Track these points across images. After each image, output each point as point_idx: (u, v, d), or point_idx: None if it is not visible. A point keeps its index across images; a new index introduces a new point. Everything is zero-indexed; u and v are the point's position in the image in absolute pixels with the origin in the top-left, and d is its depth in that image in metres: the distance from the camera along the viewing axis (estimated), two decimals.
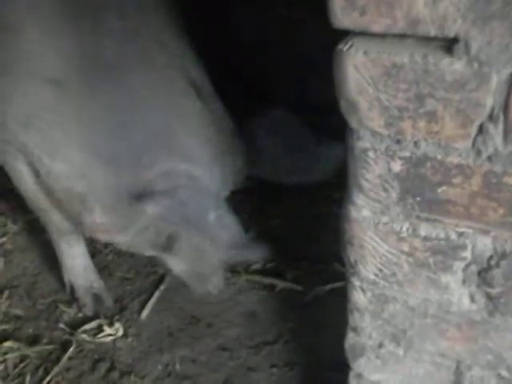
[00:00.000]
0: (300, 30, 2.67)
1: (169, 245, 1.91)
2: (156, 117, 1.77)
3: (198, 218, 1.76)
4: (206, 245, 1.91)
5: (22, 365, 2.09)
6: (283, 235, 2.39)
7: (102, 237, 1.97)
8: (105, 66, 1.74)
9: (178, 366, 2.05)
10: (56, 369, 2.06)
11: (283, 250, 2.25)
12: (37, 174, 1.90)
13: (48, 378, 2.03)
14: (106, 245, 2.47)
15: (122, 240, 1.94)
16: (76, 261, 2.26)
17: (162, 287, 2.32)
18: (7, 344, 2.14)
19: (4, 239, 2.56)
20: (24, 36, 1.74)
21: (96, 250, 2.43)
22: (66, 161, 1.79)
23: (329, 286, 2.22)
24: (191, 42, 1.93)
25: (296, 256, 2.36)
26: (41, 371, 2.07)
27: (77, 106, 1.75)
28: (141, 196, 1.75)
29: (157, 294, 2.30)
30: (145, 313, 2.24)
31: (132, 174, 1.77)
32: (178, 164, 1.77)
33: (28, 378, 2.04)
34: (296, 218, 2.48)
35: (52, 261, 2.40)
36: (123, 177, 1.77)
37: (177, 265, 2.02)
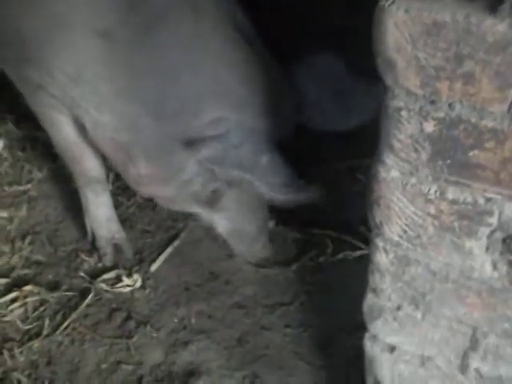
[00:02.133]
0: None
1: (214, 199, 1.93)
2: (205, 64, 1.77)
3: (250, 161, 1.76)
4: (253, 202, 1.92)
5: (41, 309, 2.13)
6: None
7: (147, 190, 2.00)
8: (153, 15, 1.74)
9: (193, 320, 2.07)
10: (74, 315, 2.09)
11: (307, 212, 2.24)
12: (80, 125, 1.93)
13: (66, 324, 2.06)
14: (129, 197, 2.48)
15: (166, 194, 1.97)
16: (100, 210, 2.28)
17: (176, 242, 2.34)
18: (28, 288, 2.17)
19: (29, 186, 2.58)
20: None
21: (118, 202, 2.44)
22: (113, 112, 1.81)
23: (349, 253, 2.22)
24: None
25: (320, 220, 2.35)
26: (59, 316, 2.10)
27: (126, 57, 1.75)
28: (191, 142, 1.77)
29: (170, 248, 2.32)
30: (155, 266, 2.26)
31: (181, 122, 1.78)
32: (227, 111, 1.77)
33: (47, 322, 2.07)
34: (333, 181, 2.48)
35: (75, 210, 2.42)
36: (171, 126, 1.79)
37: (222, 223, 2.06)
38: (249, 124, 1.79)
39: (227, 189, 1.92)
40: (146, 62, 1.75)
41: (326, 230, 2.31)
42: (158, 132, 1.80)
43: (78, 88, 1.82)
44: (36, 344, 2.01)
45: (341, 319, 1.99)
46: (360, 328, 1.42)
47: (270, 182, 1.78)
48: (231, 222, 2.04)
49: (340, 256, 2.23)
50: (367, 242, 1.30)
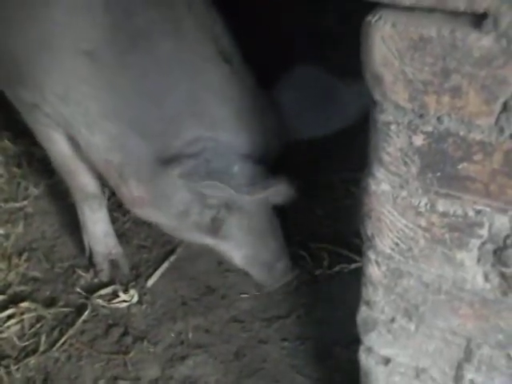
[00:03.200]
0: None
1: (215, 227, 1.91)
2: (184, 85, 1.77)
3: (221, 171, 1.73)
4: (259, 225, 1.91)
5: (37, 325, 2.13)
6: (304, 211, 2.40)
7: (142, 212, 1.99)
8: (134, 35, 1.75)
9: (190, 335, 2.07)
10: (71, 331, 2.10)
11: (303, 225, 2.25)
12: (76, 142, 1.94)
13: (62, 340, 2.07)
14: (125, 212, 2.49)
15: (165, 221, 1.97)
16: (97, 226, 2.29)
17: (172, 258, 2.35)
18: (24, 304, 2.17)
19: (25, 202, 2.59)
20: (58, 8, 1.75)
21: (114, 217, 2.45)
22: (103, 132, 1.82)
23: (345, 265, 2.22)
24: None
25: (316, 233, 2.36)
26: (56, 332, 2.11)
27: (110, 76, 1.76)
28: (168, 161, 1.77)
29: (166, 263, 2.33)
30: (152, 281, 2.27)
31: (162, 143, 1.78)
32: (205, 131, 1.77)
33: (43, 339, 2.07)
34: (319, 193, 2.49)
35: (71, 226, 2.44)
36: (155, 147, 1.79)
37: (234, 252, 2.01)
38: (226, 143, 1.78)
39: (227, 215, 1.90)
40: (129, 81, 1.76)
41: (321, 243, 2.31)
42: (146, 153, 1.81)
43: (68, 108, 1.84)
44: (33, 361, 2.01)
45: (338, 332, 2.00)
46: (357, 341, 1.42)
47: (238, 186, 1.73)
48: (241, 249, 1.99)
49: (336, 269, 2.24)
50: (361, 254, 1.31)
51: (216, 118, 1.79)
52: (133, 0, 1.76)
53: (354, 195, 2.40)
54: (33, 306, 2.18)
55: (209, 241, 1.99)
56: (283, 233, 2.14)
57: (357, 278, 1.34)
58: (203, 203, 1.87)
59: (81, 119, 1.83)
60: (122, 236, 2.41)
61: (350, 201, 2.41)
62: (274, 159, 1.91)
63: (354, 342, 1.45)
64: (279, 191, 1.76)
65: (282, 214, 2.06)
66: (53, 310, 2.17)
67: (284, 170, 1.99)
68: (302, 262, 2.28)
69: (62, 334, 2.09)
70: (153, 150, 1.80)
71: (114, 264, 2.30)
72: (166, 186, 1.84)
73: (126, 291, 2.22)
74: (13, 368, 1.98)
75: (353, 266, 2.21)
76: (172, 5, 1.81)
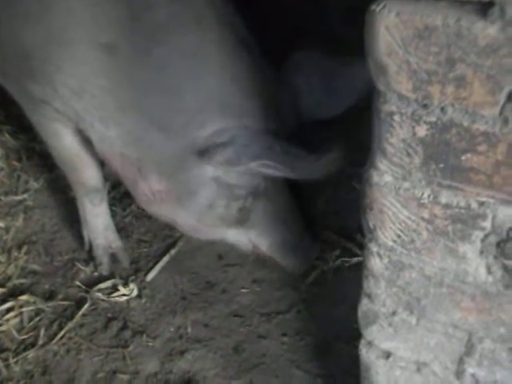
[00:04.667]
0: None
1: (243, 218, 1.91)
2: (207, 76, 1.76)
3: (265, 152, 1.71)
4: (283, 209, 1.92)
5: (36, 319, 2.12)
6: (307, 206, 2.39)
7: (159, 209, 1.97)
8: (155, 28, 1.73)
9: (189, 329, 2.06)
10: (70, 324, 2.09)
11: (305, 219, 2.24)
12: (83, 136, 1.93)
13: (61, 333, 2.06)
14: (125, 207, 2.48)
15: (185, 218, 1.95)
16: (98, 219, 2.28)
17: (172, 251, 2.33)
18: (23, 298, 2.16)
19: (25, 196, 2.57)
20: (76, 1, 1.73)
21: (114, 211, 2.44)
22: (119, 126, 1.81)
23: (347, 259, 2.21)
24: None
25: (324, 227, 2.35)
26: (55, 326, 2.09)
27: (129, 70, 1.75)
28: (202, 152, 1.75)
29: (166, 257, 2.31)
30: (151, 275, 2.26)
31: (188, 135, 1.77)
32: (231, 121, 1.76)
33: (42, 332, 2.06)
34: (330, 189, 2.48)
35: (71, 220, 2.42)
36: (179, 139, 1.78)
37: (261, 239, 2.02)
38: (252, 128, 1.77)
39: (253, 203, 1.90)
40: (149, 74, 1.75)
41: (323, 237, 2.30)
42: (168, 146, 1.79)
43: (81, 102, 1.81)
44: (31, 354, 2.00)
45: (338, 327, 1.99)
46: (357, 336, 1.42)
47: (292, 165, 1.70)
48: (269, 236, 2.00)
49: (337, 263, 2.23)
50: (363, 248, 1.30)
51: (241, 107, 1.79)
52: None
53: (357, 191, 2.40)
54: (32, 299, 2.17)
55: (232, 233, 2.00)
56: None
57: (357, 273, 1.34)
58: (230, 195, 1.86)
59: (95, 113, 1.81)
60: (121, 230, 2.40)
61: (353, 196, 2.40)
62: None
63: (355, 337, 1.45)
64: (332, 160, 1.70)
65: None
66: (52, 304, 2.16)
67: None
68: None
69: (61, 328, 2.08)
70: (176, 144, 1.79)
71: (113, 258, 2.29)
72: (191, 180, 1.83)
73: (125, 285, 2.21)
74: (11, 361, 1.97)
75: (354, 260, 2.20)
76: None
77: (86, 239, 2.32)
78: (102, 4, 1.73)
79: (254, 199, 1.90)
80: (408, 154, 1.03)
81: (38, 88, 1.88)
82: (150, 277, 2.25)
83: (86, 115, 1.84)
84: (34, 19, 1.79)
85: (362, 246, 1.66)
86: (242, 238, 2.03)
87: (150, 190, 1.89)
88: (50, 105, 1.89)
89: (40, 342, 2.04)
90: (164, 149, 1.80)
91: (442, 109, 0.97)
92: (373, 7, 0.95)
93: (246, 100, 1.79)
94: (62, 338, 2.05)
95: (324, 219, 2.37)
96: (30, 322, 2.11)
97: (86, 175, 2.17)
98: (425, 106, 0.98)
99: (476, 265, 1.09)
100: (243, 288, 2.19)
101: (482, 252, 1.07)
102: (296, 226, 2.05)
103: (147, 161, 1.84)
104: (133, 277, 2.25)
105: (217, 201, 1.87)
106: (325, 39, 2.58)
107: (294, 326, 2.06)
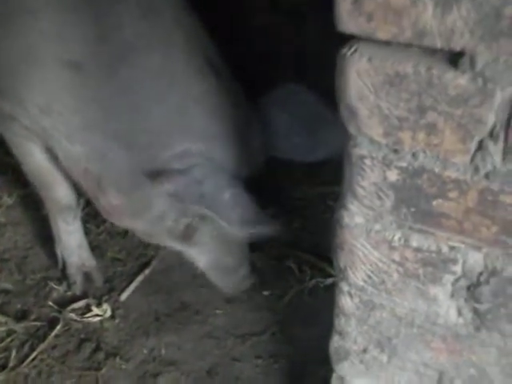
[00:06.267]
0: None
1: (188, 234, 1.92)
2: (172, 97, 1.76)
3: (212, 196, 1.76)
4: (230, 234, 1.91)
5: (8, 339, 2.09)
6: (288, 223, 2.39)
7: (119, 221, 1.99)
8: (122, 47, 1.73)
9: (163, 351, 2.04)
10: (42, 346, 2.06)
11: (279, 239, 2.23)
12: (53, 153, 1.92)
13: (33, 355, 2.03)
14: (99, 224, 2.46)
15: (140, 227, 1.96)
16: (71, 238, 2.26)
17: (146, 271, 2.32)
18: None
19: None
20: (43, 19, 1.72)
21: (88, 229, 2.42)
22: (84, 143, 1.80)
23: (321, 280, 2.21)
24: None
25: (292, 247, 2.34)
26: (27, 347, 2.07)
27: (94, 89, 1.74)
28: (156, 175, 1.76)
29: (140, 277, 2.30)
30: (125, 295, 2.24)
31: (147, 155, 1.78)
32: (194, 144, 1.77)
33: (14, 353, 2.04)
34: (305, 208, 2.48)
35: (44, 237, 2.40)
36: (139, 158, 1.78)
37: (201, 257, 2.04)
38: (214, 158, 1.78)
39: (200, 223, 1.91)
40: (115, 93, 1.74)
41: (297, 257, 2.29)
42: (128, 164, 1.79)
43: (49, 119, 1.80)
44: (1, 377, 1.97)
45: (313, 349, 1.97)
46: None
47: (230, 218, 1.78)
48: (209, 255, 2.02)
49: (312, 283, 2.22)
50: None
51: (205, 131, 1.79)
52: (121, 13, 1.74)
53: (331, 209, 2.40)
54: (3, 319, 2.14)
55: (177, 245, 2.01)
56: (259, 245, 2.14)
57: (333, 294, 1.32)
58: (180, 211, 1.86)
59: (62, 130, 1.80)
60: (95, 248, 2.38)
61: (327, 215, 2.39)
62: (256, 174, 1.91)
63: (329, 360, 1.44)
64: (268, 230, 1.80)
65: None
66: (24, 324, 2.14)
67: (262, 183, 1.98)
68: (277, 275, 2.26)
69: (33, 349, 2.05)
70: (137, 161, 1.79)
71: (87, 277, 2.27)
72: (146, 195, 1.83)
73: (99, 305, 2.19)
74: None
75: (329, 280, 2.19)
76: (160, 17, 1.79)
77: (60, 257, 2.29)
78: (69, 22, 1.72)
79: (201, 220, 1.91)
80: (379, 197, 1.02)
81: (6, 104, 1.86)
82: (123, 297, 2.23)
83: (53, 132, 1.83)
84: (1, 35, 1.77)
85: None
86: (185, 251, 2.04)
87: (109, 205, 1.89)
88: (18, 121, 1.88)
89: (11, 364, 2.01)
90: (125, 166, 1.80)
91: (414, 154, 0.96)
92: (344, 51, 0.94)
93: (211, 125, 1.79)
94: (33, 359, 2.02)
95: (299, 239, 2.36)
96: (1, 343, 2.08)
97: (59, 193, 2.16)
98: (396, 151, 0.97)
99: (447, 307, 1.09)
100: (217, 309, 2.18)
101: (452, 295, 1.07)
102: (237, 253, 2.06)
103: (107, 177, 1.84)
104: (106, 296, 2.23)
105: (167, 214, 1.88)
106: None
107: (269, 349, 2.04)
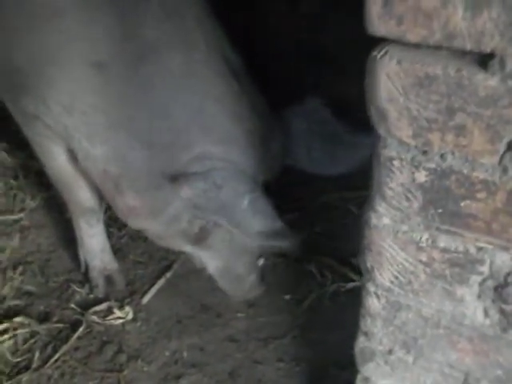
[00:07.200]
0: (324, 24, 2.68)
1: (201, 237, 1.93)
2: (193, 98, 1.77)
3: (231, 202, 1.76)
4: (242, 240, 1.92)
5: (31, 341, 2.11)
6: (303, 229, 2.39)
7: (135, 222, 1.99)
8: (145, 47, 1.75)
9: (185, 354, 2.06)
10: (64, 347, 2.08)
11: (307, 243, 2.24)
12: (74, 155, 1.94)
13: (56, 356, 2.05)
14: (121, 227, 2.48)
15: (154, 228, 1.96)
16: (94, 241, 2.27)
17: (168, 274, 2.34)
18: (18, 319, 2.16)
19: (21, 215, 2.57)
20: (69, 19, 1.74)
21: (110, 232, 2.43)
22: (105, 143, 1.81)
23: (343, 284, 2.21)
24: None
25: (313, 251, 2.35)
26: (49, 349, 2.09)
27: (118, 88, 1.76)
28: (175, 178, 1.77)
29: (162, 280, 2.31)
30: (147, 298, 2.26)
31: (168, 156, 1.79)
32: (214, 146, 1.78)
33: (37, 355, 2.05)
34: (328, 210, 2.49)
35: (67, 239, 2.42)
36: (159, 158, 1.79)
37: (211, 261, 2.04)
38: (234, 161, 1.79)
39: (214, 227, 1.92)
40: (138, 93, 1.76)
41: (318, 262, 2.30)
42: (148, 165, 1.81)
43: (71, 118, 1.82)
44: (25, 377, 1.99)
45: (334, 353, 1.98)
46: (353, 362, 1.41)
47: (248, 229, 1.79)
48: (220, 260, 2.03)
49: (333, 288, 2.23)
50: (359, 273, 1.30)
51: (225, 134, 1.80)
52: (144, 12, 1.76)
53: (353, 214, 2.41)
54: (27, 321, 2.16)
55: (189, 248, 2.01)
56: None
57: (354, 298, 1.33)
58: (196, 214, 1.87)
59: (84, 130, 1.82)
60: (117, 251, 2.40)
61: (349, 220, 2.40)
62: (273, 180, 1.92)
63: (350, 363, 1.44)
64: (284, 243, 1.81)
65: None
66: (47, 326, 2.15)
67: (284, 188, 2.00)
68: (298, 279, 2.27)
69: (55, 351, 2.07)
70: (157, 162, 1.80)
71: (109, 280, 2.29)
72: (164, 196, 1.84)
73: (121, 308, 2.20)
74: None
75: (350, 284, 2.20)
76: (183, 18, 1.81)
77: (82, 260, 2.31)
78: (95, 23, 1.74)
79: (216, 224, 1.91)
80: (407, 199, 1.03)
81: (30, 103, 1.88)
82: (145, 299, 2.24)
83: (74, 132, 1.85)
84: (26, 34, 1.80)
85: (357, 271, 1.66)
86: (196, 254, 2.05)
87: (126, 206, 1.90)
88: (41, 121, 1.90)
89: (34, 365, 2.03)
90: (144, 166, 1.82)
91: (442, 156, 0.97)
92: (374, 53, 0.95)
93: (231, 127, 1.80)
94: (56, 361, 2.04)
95: (320, 243, 2.37)
96: (24, 344, 2.10)
97: (81, 196, 2.17)
98: (424, 153, 0.98)
99: (473, 308, 1.09)
100: (238, 312, 2.19)
101: (479, 295, 1.07)
102: (248, 260, 2.06)
103: (125, 177, 1.85)
104: (128, 299, 2.24)
105: (182, 215, 1.88)
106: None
107: (290, 352, 2.05)
